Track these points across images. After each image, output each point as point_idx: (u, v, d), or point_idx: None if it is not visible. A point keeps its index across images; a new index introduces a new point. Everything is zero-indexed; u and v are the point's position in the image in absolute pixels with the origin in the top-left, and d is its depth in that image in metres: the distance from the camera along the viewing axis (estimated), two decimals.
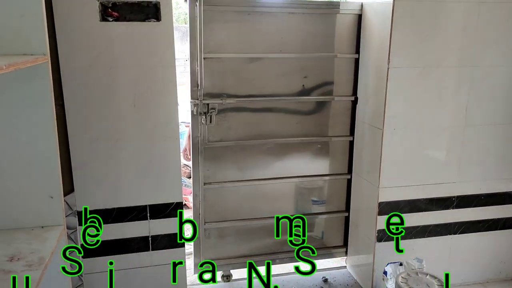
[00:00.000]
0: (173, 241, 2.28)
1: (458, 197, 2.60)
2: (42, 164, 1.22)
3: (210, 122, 2.45)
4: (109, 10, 1.96)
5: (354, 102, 2.70)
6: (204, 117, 2.44)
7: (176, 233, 2.27)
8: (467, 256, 2.71)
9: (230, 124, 2.54)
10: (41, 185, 1.23)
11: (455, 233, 2.65)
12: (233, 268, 2.76)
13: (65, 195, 2.08)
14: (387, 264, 2.46)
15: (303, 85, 2.63)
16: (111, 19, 1.96)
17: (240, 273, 2.79)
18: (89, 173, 2.11)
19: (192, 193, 2.59)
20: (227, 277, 2.72)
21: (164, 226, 2.25)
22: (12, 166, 1.19)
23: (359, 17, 2.59)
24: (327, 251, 2.98)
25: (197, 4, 2.27)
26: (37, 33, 1.12)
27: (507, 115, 2.53)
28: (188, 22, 2.35)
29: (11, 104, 1.15)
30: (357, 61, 2.65)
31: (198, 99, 2.40)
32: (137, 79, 2.05)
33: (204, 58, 2.37)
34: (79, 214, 2.14)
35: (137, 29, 2.01)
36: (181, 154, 4.63)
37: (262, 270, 2.80)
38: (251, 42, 2.48)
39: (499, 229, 2.70)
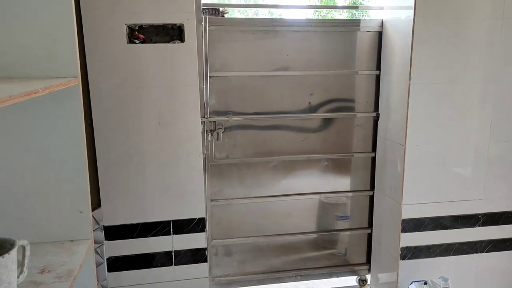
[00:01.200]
0: (196, 256, 2.31)
1: (484, 214, 2.55)
2: (72, 181, 1.28)
3: (217, 139, 2.49)
4: (136, 32, 2.04)
5: (376, 119, 2.71)
6: (210, 134, 2.49)
7: (198, 249, 2.30)
8: (495, 275, 2.65)
9: (236, 142, 2.58)
10: (71, 201, 1.29)
11: (481, 252, 2.60)
12: (241, 286, 2.75)
13: (92, 210, 2.16)
14: (412, 283, 2.43)
15: (309, 102, 2.65)
16: (137, 41, 2.05)
17: None
18: (116, 189, 2.18)
19: None
20: None
21: (187, 241, 2.29)
22: (44, 183, 1.25)
23: (380, 34, 2.61)
24: (349, 268, 2.96)
25: (203, 24, 2.33)
26: (69, 57, 1.20)
27: None
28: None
29: (44, 124, 1.22)
30: (378, 78, 2.66)
31: (205, 117, 2.45)
32: (161, 98, 2.12)
33: (210, 76, 2.42)
34: (105, 228, 2.20)
35: (162, 51, 2.09)
36: None
37: (294, 285, 2.82)
38: (257, 61, 2.52)
39: None
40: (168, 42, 2.09)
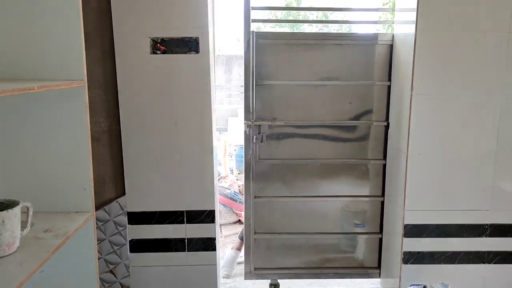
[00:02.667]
0: (206, 245, 2.58)
1: (491, 225, 2.56)
2: (78, 165, 1.59)
3: (262, 141, 2.74)
4: (158, 44, 2.37)
5: (387, 127, 2.82)
6: (255, 137, 2.75)
7: (209, 238, 2.56)
8: (504, 287, 2.63)
9: (278, 144, 2.82)
10: (77, 180, 1.60)
11: (489, 263, 2.60)
12: (280, 278, 2.96)
13: (118, 197, 2.51)
14: (410, 286, 2.50)
15: (347, 111, 2.82)
16: (159, 52, 2.37)
17: (287, 283, 2.99)
18: (138, 180, 2.51)
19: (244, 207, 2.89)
20: (274, 286, 2.92)
21: (198, 230, 2.56)
22: (56, 166, 1.58)
23: (391, 47, 2.73)
24: (364, 271, 3.06)
25: (251, 37, 2.61)
26: (77, 63, 1.52)
27: None
28: (243, 54, 2.70)
29: (58, 117, 1.54)
30: (389, 88, 2.78)
31: (250, 121, 2.71)
32: (179, 102, 2.43)
33: (256, 85, 2.70)
34: (128, 214, 2.53)
35: (180, 60, 2.39)
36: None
37: (308, 283, 3.00)
38: (299, 71, 2.75)
39: None
40: (186, 53, 2.39)
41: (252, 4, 2.56)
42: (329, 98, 2.79)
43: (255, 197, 2.85)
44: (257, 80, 2.69)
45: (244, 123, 2.73)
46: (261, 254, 2.95)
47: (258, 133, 2.74)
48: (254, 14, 2.63)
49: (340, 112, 2.82)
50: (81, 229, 1.51)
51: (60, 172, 1.58)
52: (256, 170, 2.82)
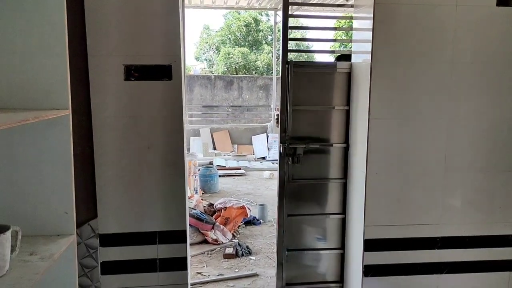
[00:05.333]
0: (177, 265, 2.64)
1: (442, 238, 2.79)
2: (61, 189, 1.65)
3: (297, 162, 2.93)
4: (132, 71, 2.46)
5: (347, 148, 3.03)
6: (290, 157, 2.89)
7: (180, 257, 2.63)
8: None
9: (311, 165, 3.01)
10: (59, 204, 1.66)
11: (441, 273, 2.83)
12: None
13: (90, 220, 2.55)
14: None
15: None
16: (133, 79, 2.47)
17: None
18: (110, 203, 2.55)
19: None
20: None
21: (170, 250, 2.63)
22: (39, 190, 1.64)
23: (349, 74, 2.97)
24: (327, 285, 3.22)
25: (288, 66, 2.84)
26: (62, 94, 1.60)
27: (485, 161, 2.75)
28: (280, 81, 2.92)
29: (42, 143, 1.61)
30: (348, 112, 3.00)
31: (285, 143, 2.86)
32: (151, 126, 2.52)
33: (293, 110, 2.89)
34: (100, 236, 2.57)
35: (153, 87, 2.49)
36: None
37: None
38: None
39: (486, 272, 2.84)
40: (159, 79, 2.49)
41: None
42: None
43: (288, 215, 3.05)
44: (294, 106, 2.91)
45: (280, 145, 2.96)
46: (290, 267, 3.14)
47: (294, 154, 2.97)
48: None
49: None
50: (64, 251, 1.57)
51: (43, 196, 1.64)
52: (288, 189, 3.01)
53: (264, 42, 20.98)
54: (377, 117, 2.63)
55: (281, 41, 2.91)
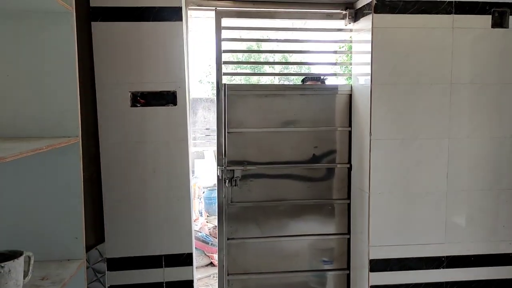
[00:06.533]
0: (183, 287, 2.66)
1: (447, 257, 2.80)
2: (71, 214, 1.70)
3: (235, 185, 2.90)
4: (138, 98, 2.54)
5: (350, 169, 3.06)
6: (228, 181, 2.90)
7: (186, 281, 2.65)
8: None
9: (250, 187, 2.99)
10: (69, 230, 1.70)
11: None
12: None
13: (97, 244, 2.58)
14: None
15: (314, 154, 3.04)
16: (139, 105, 2.54)
17: None
18: (118, 227, 2.59)
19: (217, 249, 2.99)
20: None
21: (176, 273, 2.65)
22: (49, 216, 1.68)
23: (350, 96, 3.03)
24: None
25: (222, 90, 2.84)
26: (73, 122, 1.66)
27: (487, 180, 2.78)
28: (216, 104, 2.90)
29: (53, 170, 1.67)
30: (350, 133, 3.05)
31: (223, 166, 2.88)
32: (157, 151, 2.58)
33: (228, 132, 2.89)
34: (108, 260, 2.59)
35: (158, 112, 2.56)
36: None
37: None
38: (268, 118, 2.97)
39: None
40: (164, 105, 2.56)
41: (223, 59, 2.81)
42: (297, 143, 3.02)
43: (228, 238, 2.98)
44: (228, 128, 2.89)
45: (217, 168, 2.90)
46: None
47: (232, 178, 2.91)
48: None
49: (307, 155, 3.04)
50: (74, 276, 1.61)
51: (54, 222, 1.69)
52: (228, 212, 2.96)
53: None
54: (378, 138, 2.68)
55: (215, 66, 2.87)
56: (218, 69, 2.82)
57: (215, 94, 2.89)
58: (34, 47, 1.63)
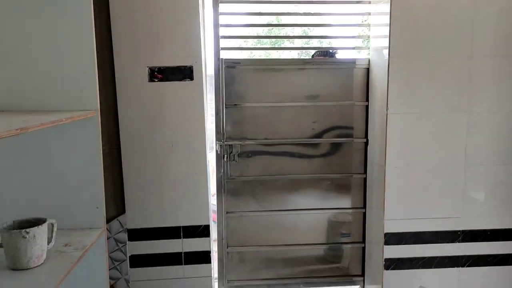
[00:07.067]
0: (201, 258, 2.75)
1: (463, 231, 2.80)
2: (92, 185, 1.77)
3: (233, 160, 2.93)
4: (155, 73, 2.58)
5: (366, 144, 3.06)
6: (227, 156, 2.94)
7: (204, 251, 2.73)
8: None
9: (249, 163, 3.01)
10: (91, 200, 1.78)
11: (463, 266, 2.84)
12: None
13: (118, 215, 2.67)
14: None
15: (323, 129, 3.06)
16: (156, 80, 2.58)
17: None
18: (137, 199, 2.68)
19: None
20: None
21: (194, 244, 2.73)
22: (72, 186, 1.76)
23: (368, 70, 3.00)
24: (349, 279, 3.27)
25: (219, 63, 2.83)
26: (92, 96, 1.71)
27: (506, 154, 2.74)
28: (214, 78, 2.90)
29: (73, 142, 1.73)
30: (367, 108, 3.03)
31: (221, 141, 2.91)
32: (175, 125, 2.62)
33: (226, 107, 2.87)
34: (128, 231, 2.69)
35: (176, 87, 2.60)
36: None
37: None
38: (270, 93, 2.97)
39: (509, 265, 2.83)
40: (181, 80, 2.60)
41: (221, 33, 2.76)
42: (315, 117, 3.02)
43: (227, 212, 3.01)
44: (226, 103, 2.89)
45: (216, 143, 2.92)
46: (233, 267, 3.12)
47: (230, 153, 2.92)
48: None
49: (305, 130, 3.04)
50: (95, 243, 1.69)
51: (76, 192, 1.76)
52: (227, 187, 2.98)
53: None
54: (395, 112, 2.66)
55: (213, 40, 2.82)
56: (216, 44, 2.81)
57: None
58: (52, 21, 1.66)
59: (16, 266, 1.40)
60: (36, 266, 1.42)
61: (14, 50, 1.68)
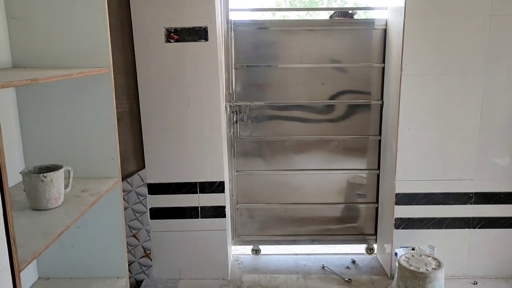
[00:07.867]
0: (217, 212, 2.89)
1: (476, 193, 2.81)
2: (107, 137, 1.91)
3: (242, 120, 3.04)
4: (172, 34, 2.65)
5: (382, 106, 3.07)
6: (236, 115, 3.02)
7: (219, 206, 2.88)
8: (488, 250, 2.89)
9: (258, 123, 3.12)
10: (106, 152, 1.92)
11: (474, 227, 2.86)
12: (261, 244, 3.32)
13: (139, 170, 2.83)
14: (400, 247, 2.79)
15: (337, 91, 3.09)
16: (172, 41, 2.66)
17: (267, 249, 3.34)
18: (156, 155, 2.82)
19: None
20: (256, 251, 3.29)
21: (210, 199, 2.87)
22: (89, 139, 1.90)
23: (385, 31, 2.97)
24: (362, 237, 3.36)
25: (229, 26, 2.92)
26: (104, 54, 1.82)
27: None
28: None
29: (89, 97, 1.86)
30: (383, 70, 3.02)
31: (231, 101, 2.99)
32: (190, 85, 2.71)
33: (235, 68, 3.00)
34: (148, 185, 2.86)
35: (191, 48, 2.67)
36: None
37: (286, 248, 3.36)
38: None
39: None
40: (196, 41, 2.66)
41: None
42: (329, 79, 3.05)
43: (237, 171, 3.19)
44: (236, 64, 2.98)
45: (225, 103, 3.01)
46: (243, 223, 3.30)
47: (239, 113, 3.03)
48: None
49: (315, 92, 3.10)
50: (111, 191, 1.84)
51: (92, 144, 1.90)
52: (237, 146, 3.14)
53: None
54: (409, 73, 2.65)
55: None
56: (225, 4, 2.89)
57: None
58: None
59: (37, 206, 1.56)
60: (55, 208, 1.58)
61: (32, 13, 1.79)
